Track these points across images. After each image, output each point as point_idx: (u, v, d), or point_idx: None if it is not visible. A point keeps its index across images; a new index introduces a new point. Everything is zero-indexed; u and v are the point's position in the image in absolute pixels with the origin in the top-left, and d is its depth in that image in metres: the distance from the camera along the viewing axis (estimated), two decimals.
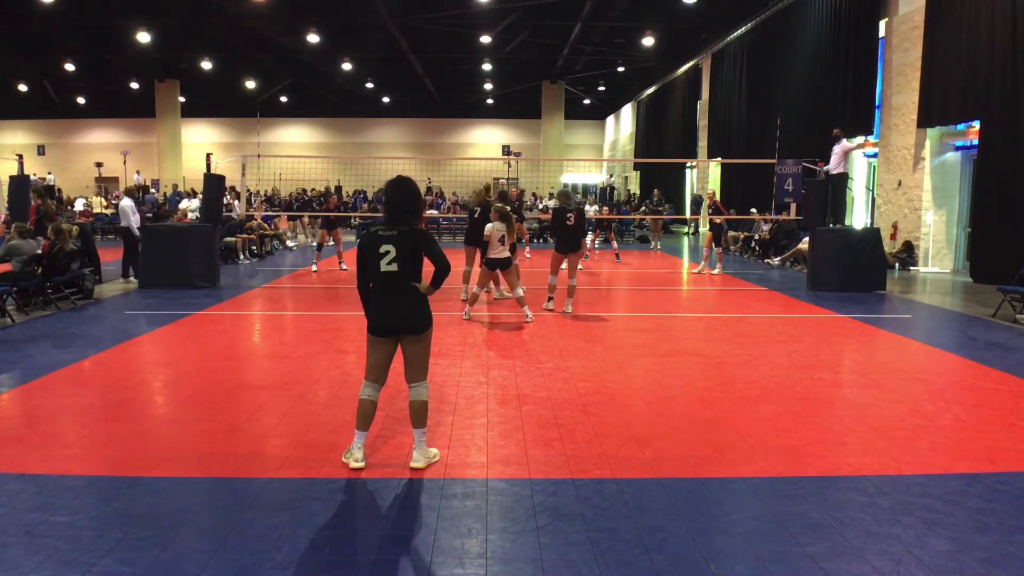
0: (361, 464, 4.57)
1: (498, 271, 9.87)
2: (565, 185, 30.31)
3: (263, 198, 30.41)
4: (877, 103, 17.01)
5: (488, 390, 6.41)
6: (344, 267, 15.26)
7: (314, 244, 17.29)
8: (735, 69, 24.04)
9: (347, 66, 32.46)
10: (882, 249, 13.18)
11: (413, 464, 4.58)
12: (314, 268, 15.06)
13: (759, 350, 8.10)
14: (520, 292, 9.61)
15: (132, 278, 13.18)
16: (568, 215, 10.08)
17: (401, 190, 4.55)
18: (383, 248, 4.44)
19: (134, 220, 13.50)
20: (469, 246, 11.13)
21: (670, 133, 31.40)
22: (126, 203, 13.80)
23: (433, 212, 28.09)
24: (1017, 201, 12.60)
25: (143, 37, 25.83)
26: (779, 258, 17.02)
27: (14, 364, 7.27)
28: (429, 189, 35.04)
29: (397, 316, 4.53)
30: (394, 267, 4.45)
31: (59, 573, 3.38)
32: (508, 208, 9.88)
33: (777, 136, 19.02)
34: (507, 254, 9.57)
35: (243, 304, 11.32)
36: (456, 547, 3.67)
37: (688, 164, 29.49)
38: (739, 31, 23.00)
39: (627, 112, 39.74)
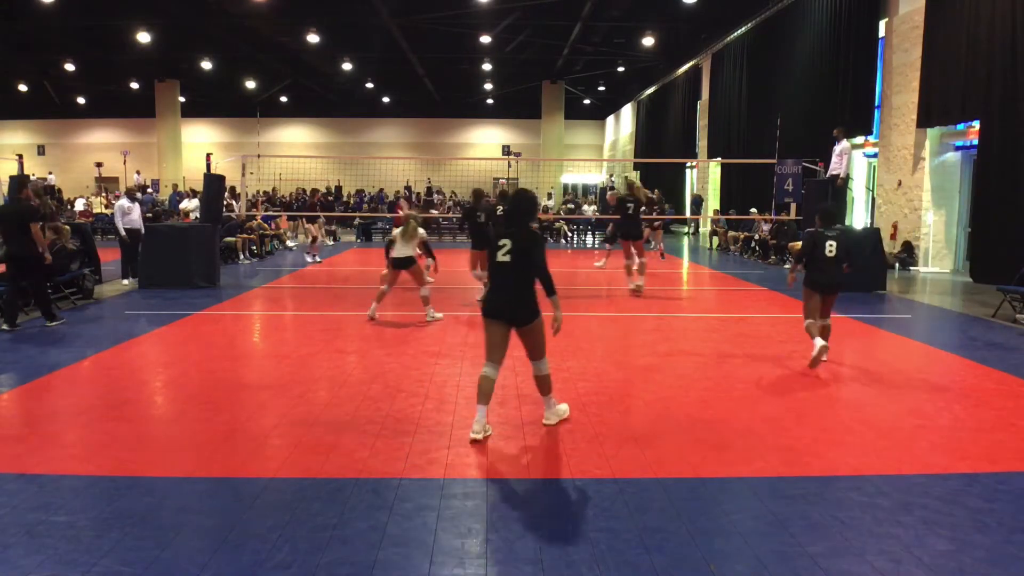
0: (479, 436, 5.02)
1: (403, 271, 9.82)
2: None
3: (263, 198, 30.43)
4: (877, 103, 17.01)
5: None
6: (315, 260, 16.34)
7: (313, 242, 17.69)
8: (735, 69, 24.03)
9: (347, 66, 32.45)
10: (882, 249, 13.17)
11: (545, 422, 5.30)
12: (314, 260, 15.51)
13: (759, 350, 8.10)
14: (425, 292, 9.71)
15: (127, 280, 13.09)
16: (479, 214, 10.90)
17: (515, 201, 5.41)
18: (502, 241, 5.16)
19: (121, 222, 13.17)
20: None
21: (670, 133, 31.39)
22: (117, 204, 13.68)
23: (433, 212, 28.12)
24: (1017, 201, 12.60)
25: (143, 37, 25.81)
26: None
27: (14, 364, 7.27)
28: (429, 189, 35.05)
29: (505, 305, 5.16)
30: (507, 258, 5.11)
31: (59, 573, 3.38)
32: (415, 214, 10.24)
33: (777, 136, 19.02)
34: (408, 253, 9.53)
35: (243, 304, 11.32)
36: (456, 547, 3.66)
37: (688, 164, 29.49)
38: (739, 31, 23.00)
39: (627, 112, 39.72)
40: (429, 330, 9.04)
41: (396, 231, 9.73)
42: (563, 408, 5.47)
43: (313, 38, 26.25)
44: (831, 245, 7.44)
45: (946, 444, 5.19)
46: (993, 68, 13.10)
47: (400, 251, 9.51)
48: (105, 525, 3.83)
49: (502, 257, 5.11)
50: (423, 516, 3.99)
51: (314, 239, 17.69)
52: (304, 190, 33.26)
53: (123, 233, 13.15)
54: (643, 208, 12.21)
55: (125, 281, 12.99)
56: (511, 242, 5.10)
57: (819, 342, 7.16)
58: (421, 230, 9.79)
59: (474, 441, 5.02)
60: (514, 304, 5.12)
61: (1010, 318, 9.82)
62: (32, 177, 20.74)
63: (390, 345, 8.21)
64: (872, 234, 13.10)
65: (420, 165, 38.21)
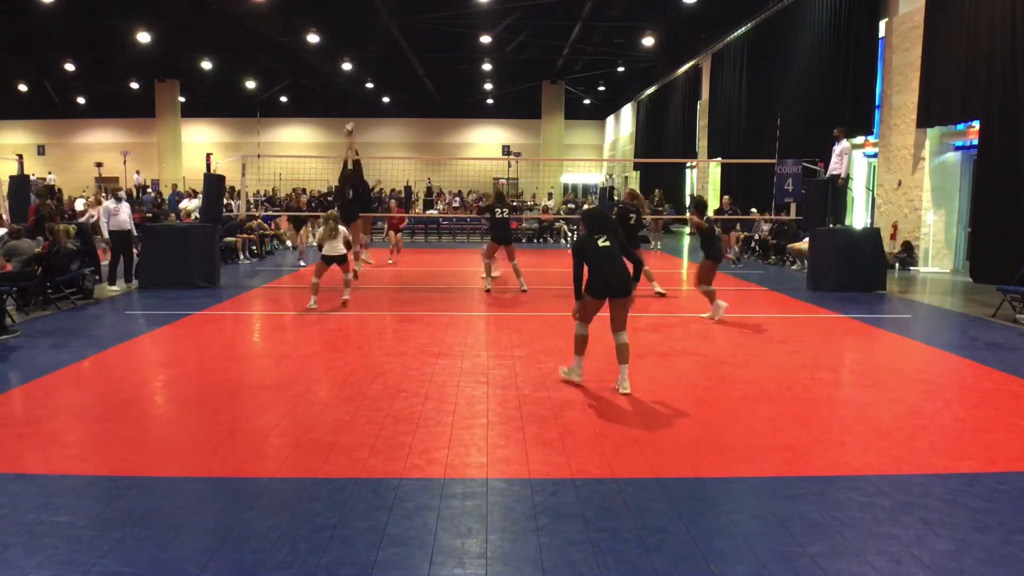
0: (580, 378, 6.53)
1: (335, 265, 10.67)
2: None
3: (263, 198, 30.44)
4: (877, 103, 17.01)
5: (488, 390, 6.41)
6: (303, 264, 16.68)
7: (313, 243, 17.86)
8: (735, 69, 24.02)
9: (347, 66, 32.43)
10: (882, 249, 13.16)
11: (624, 391, 6.22)
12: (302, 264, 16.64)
13: (759, 350, 8.10)
14: (314, 280, 10.39)
15: (128, 282, 12.86)
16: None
17: (598, 216, 6.76)
18: (597, 235, 6.41)
19: (108, 224, 12.63)
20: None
21: (670, 133, 31.38)
22: (103, 205, 13.34)
23: (432, 212, 28.14)
24: (1017, 201, 12.59)
25: (143, 37, 25.79)
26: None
27: (14, 364, 7.27)
28: (429, 189, 35.04)
29: (616, 282, 6.29)
30: (608, 244, 6.39)
31: (59, 573, 3.38)
32: (334, 214, 11.01)
33: (777, 136, 19.00)
34: (341, 251, 10.45)
35: (243, 304, 11.33)
36: (456, 547, 3.67)
37: (688, 164, 29.47)
38: (739, 31, 22.98)
39: (627, 112, 39.71)
40: (429, 330, 9.04)
41: (320, 231, 10.42)
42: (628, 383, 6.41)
43: (313, 38, 26.25)
44: (718, 228, 10.05)
45: (946, 444, 5.19)
46: (993, 68, 13.09)
47: (331, 250, 10.36)
48: (105, 525, 3.83)
49: (603, 243, 6.38)
50: (423, 516, 3.98)
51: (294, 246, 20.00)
52: (304, 190, 33.24)
53: (106, 235, 12.70)
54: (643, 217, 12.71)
55: (112, 286, 12.23)
56: (606, 234, 6.46)
57: (723, 303, 9.75)
58: (342, 227, 10.65)
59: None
60: (623, 277, 6.31)
61: (1010, 318, 9.82)
62: (32, 177, 20.70)
63: (390, 345, 8.21)
64: (872, 234, 13.10)
65: (420, 165, 38.18)
